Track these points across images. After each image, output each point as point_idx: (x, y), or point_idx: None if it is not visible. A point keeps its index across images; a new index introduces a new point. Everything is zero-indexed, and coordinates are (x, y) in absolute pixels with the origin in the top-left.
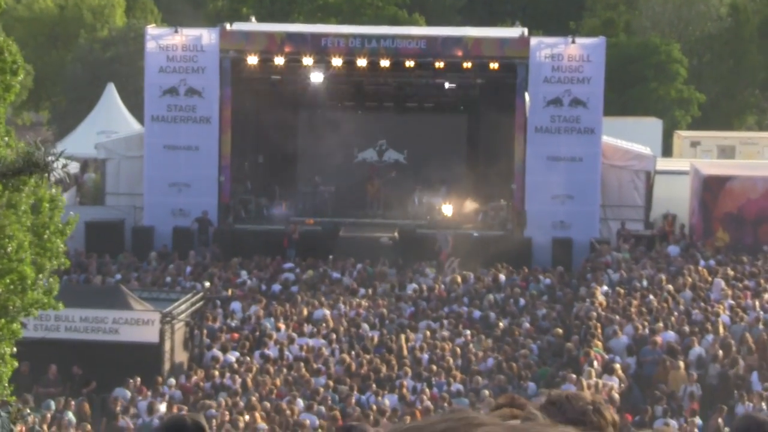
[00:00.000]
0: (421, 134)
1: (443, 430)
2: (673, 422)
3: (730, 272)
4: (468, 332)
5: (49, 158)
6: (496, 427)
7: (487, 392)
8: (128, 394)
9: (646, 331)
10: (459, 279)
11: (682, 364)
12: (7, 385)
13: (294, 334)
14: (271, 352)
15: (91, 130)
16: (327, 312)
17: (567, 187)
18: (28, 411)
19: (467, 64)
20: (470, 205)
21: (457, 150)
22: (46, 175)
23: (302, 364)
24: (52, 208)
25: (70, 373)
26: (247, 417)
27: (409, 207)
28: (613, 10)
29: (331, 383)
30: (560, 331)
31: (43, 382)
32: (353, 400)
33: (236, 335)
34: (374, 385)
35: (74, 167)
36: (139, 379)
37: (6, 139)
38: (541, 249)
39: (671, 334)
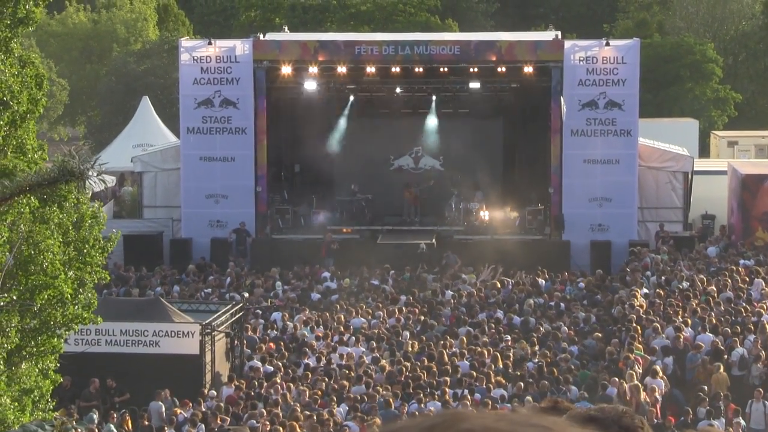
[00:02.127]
0: (456, 140)
1: (431, 425)
2: (717, 423)
3: None
4: (508, 337)
5: (85, 166)
6: (484, 419)
7: (529, 397)
8: (161, 406)
9: (687, 332)
10: (498, 284)
11: (722, 366)
12: (49, 399)
13: (333, 343)
14: (311, 361)
15: (127, 143)
16: (366, 320)
17: (604, 190)
18: (74, 424)
19: (501, 69)
20: (507, 210)
21: (492, 155)
22: (83, 183)
23: (343, 372)
24: (93, 224)
25: (106, 386)
26: (287, 427)
27: (446, 213)
28: (646, 11)
29: (379, 389)
30: (600, 334)
31: (85, 396)
32: (396, 408)
33: (273, 345)
34: (420, 393)
35: (110, 180)
36: (168, 391)
37: (39, 153)
38: (579, 252)
39: (712, 336)
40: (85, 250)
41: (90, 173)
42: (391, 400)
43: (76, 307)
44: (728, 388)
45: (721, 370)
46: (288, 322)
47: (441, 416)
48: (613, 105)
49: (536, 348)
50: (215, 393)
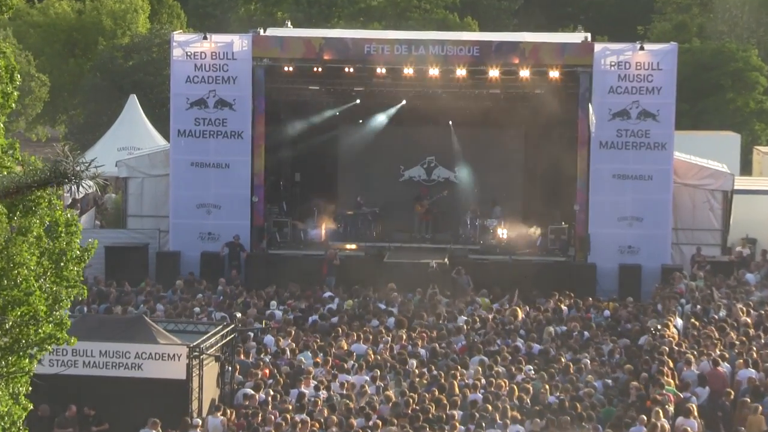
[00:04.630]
0: (473, 150)
1: None
2: None
3: None
4: (528, 368)
5: (79, 167)
6: None
7: None
8: None
9: (724, 368)
10: (519, 311)
11: (761, 407)
12: (21, 427)
13: (334, 371)
14: (309, 389)
15: (111, 146)
16: (370, 346)
17: (635, 209)
18: None
19: (524, 73)
20: (528, 228)
21: (512, 167)
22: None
23: (343, 402)
24: (69, 233)
25: (83, 414)
26: None
27: (461, 230)
28: (685, 13)
29: (379, 423)
30: (628, 367)
31: (60, 423)
32: None
33: (269, 371)
34: (428, 428)
35: (90, 186)
36: (157, 421)
37: (10, 152)
38: (606, 277)
39: (752, 372)
40: (62, 263)
41: (84, 175)
42: None
43: (50, 325)
44: None
45: (759, 411)
46: (284, 347)
47: None
48: (647, 115)
49: (557, 381)
50: (199, 421)
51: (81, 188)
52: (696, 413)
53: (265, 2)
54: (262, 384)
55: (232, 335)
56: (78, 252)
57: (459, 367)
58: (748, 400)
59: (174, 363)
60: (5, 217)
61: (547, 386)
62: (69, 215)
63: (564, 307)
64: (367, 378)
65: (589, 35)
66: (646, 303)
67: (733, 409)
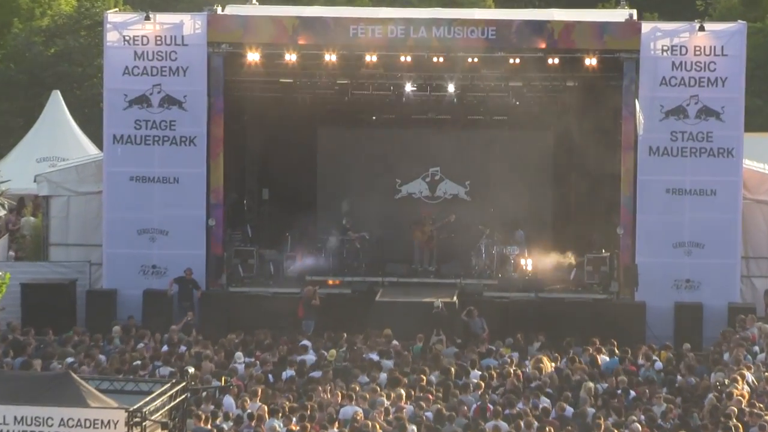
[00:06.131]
0: (489, 159)
1: None
2: None
3: None
4: None
5: None
6: None
7: None
8: None
9: None
10: (546, 362)
11: None
12: None
13: None
14: None
15: (28, 156)
16: (359, 409)
17: (695, 232)
18: None
19: (553, 61)
20: (558, 258)
21: (539, 180)
22: None
23: None
24: None
25: None
26: None
27: (474, 260)
28: None
29: None
30: None
31: None
32: None
33: None
34: None
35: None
36: None
37: None
38: (658, 318)
39: None
40: None
41: None
42: None
43: None
44: None
45: None
46: (250, 411)
47: None
48: (709, 113)
49: None
50: None
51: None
52: None
53: None
54: None
55: (184, 396)
56: None
57: None
58: None
59: (109, 431)
60: None
61: None
62: None
63: (604, 358)
64: None
65: (635, 12)
66: (709, 352)
67: None
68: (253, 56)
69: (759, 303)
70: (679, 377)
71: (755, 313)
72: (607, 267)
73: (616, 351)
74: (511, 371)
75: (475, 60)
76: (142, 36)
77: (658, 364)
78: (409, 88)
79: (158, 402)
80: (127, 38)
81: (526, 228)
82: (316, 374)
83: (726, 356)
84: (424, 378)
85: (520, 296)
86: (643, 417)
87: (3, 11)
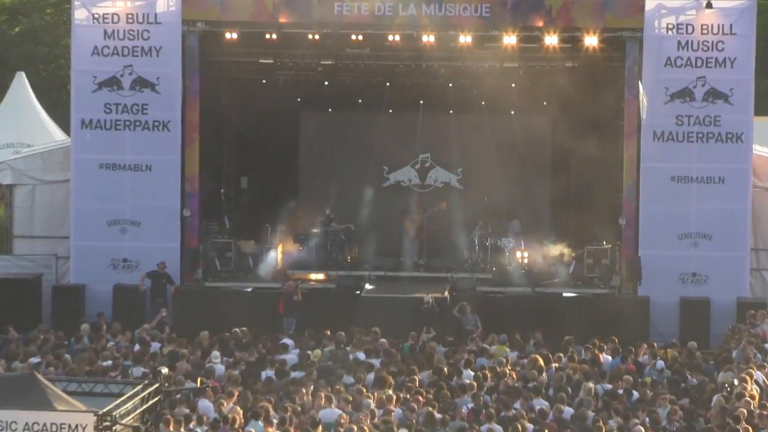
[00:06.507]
0: (483, 145)
1: None
2: None
3: None
4: None
5: None
6: None
7: None
8: None
9: None
10: (541, 361)
11: None
12: None
13: None
14: None
15: None
16: (344, 411)
17: (702, 223)
18: None
19: (551, 40)
20: (556, 250)
21: (536, 167)
22: None
23: None
24: None
25: None
26: None
27: (466, 253)
28: None
29: None
30: None
31: None
32: None
33: None
34: None
35: None
36: None
37: None
38: (663, 314)
39: None
40: None
41: None
42: None
43: None
44: None
45: None
46: (227, 414)
47: None
48: (717, 96)
49: None
50: None
51: None
52: None
53: None
54: None
55: (156, 398)
56: None
57: None
58: None
59: None
60: None
61: None
62: None
63: (606, 357)
64: None
65: None
66: (716, 350)
67: None
68: (230, 35)
69: None
70: (685, 377)
71: (766, 309)
72: (609, 260)
73: (619, 349)
74: (507, 371)
75: (468, 39)
76: (113, 14)
77: (662, 364)
78: (398, 69)
79: (129, 405)
80: (96, 16)
81: (522, 218)
82: (298, 375)
83: (735, 354)
84: (417, 378)
85: (516, 291)
86: (646, 419)
87: None
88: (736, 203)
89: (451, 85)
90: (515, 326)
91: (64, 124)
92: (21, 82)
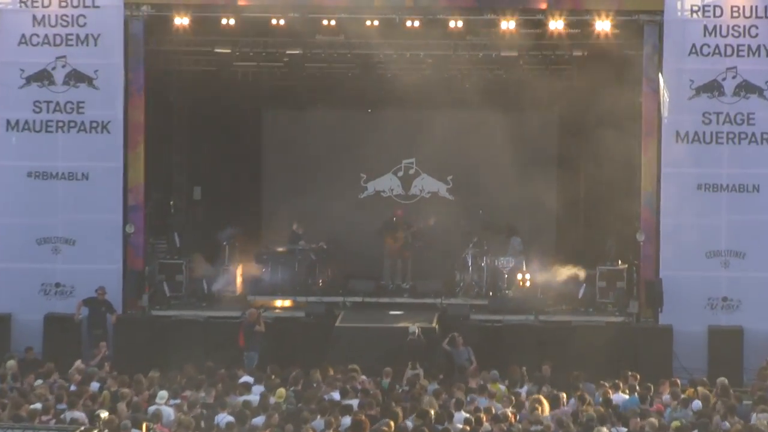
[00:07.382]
0: (477, 148)
1: None
2: None
3: None
4: None
5: None
6: None
7: None
8: None
9: None
10: (544, 403)
11: None
12: None
13: None
14: None
15: None
16: None
17: (733, 239)
18: None
19: (556, 25)
20: (563, 271)
21: (540, 173)
22: None
23: None
24: None
25: None
26: None
27: (458, 275)
28: None
29: None
30: None
31: None
32: None
33: None
34: None
35: None
36: None
37: None
38: (689, 346)
39: None
40: None
41: None
42: None
43: None
44: None
45: None
46: None
47: None
48: (750, 90)
49: None
50: None
51: None
52: None
53: None
54: None
55: None
56: None
57: None
58: None
59: None
60: None
61: None
62: None
63: (622, 395)
64: None
65: None
66: (750, 387)
67: None
68: (181, 20)
69: None
70: (715, 419)
71: None
72: (625, 282)
73: (637, 387)
74: (509, 413)
75: (459, 24)
76: None
77: (699, 404)
78: (378, 60)
79: None
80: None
81: (523, 234)
82: (260, 420)
83: None
84: (392, 424)
85: (516, 320)
86: None
87: None
88: None
89: (439, 78)
90: (515, 361)
91: None
92: None
